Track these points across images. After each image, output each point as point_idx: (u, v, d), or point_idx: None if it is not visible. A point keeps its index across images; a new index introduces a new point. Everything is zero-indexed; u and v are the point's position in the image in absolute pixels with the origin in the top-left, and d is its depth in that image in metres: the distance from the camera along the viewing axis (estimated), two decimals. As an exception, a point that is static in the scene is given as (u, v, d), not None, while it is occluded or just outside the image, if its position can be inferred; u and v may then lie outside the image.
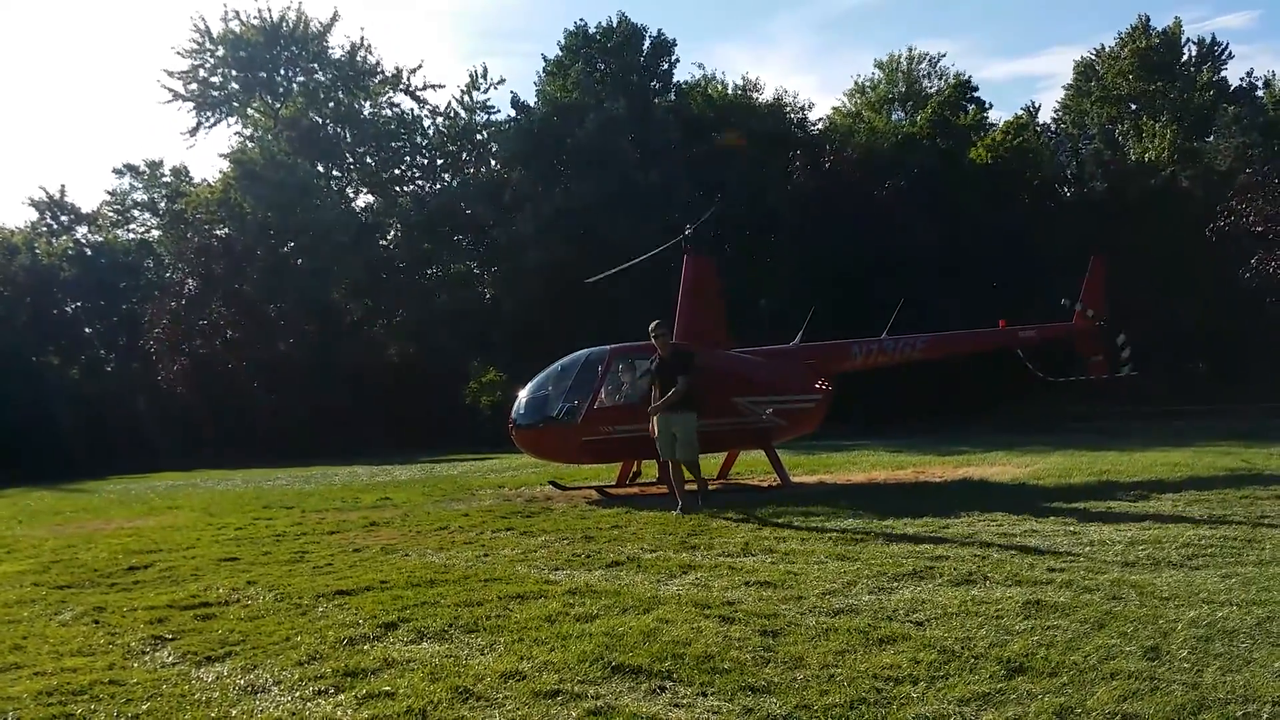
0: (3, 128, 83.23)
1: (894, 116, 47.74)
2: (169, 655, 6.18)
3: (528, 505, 13.00)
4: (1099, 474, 13.50)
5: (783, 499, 12.20)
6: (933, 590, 6.80)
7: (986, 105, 44.45)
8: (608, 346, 14.83)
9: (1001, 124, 43.34)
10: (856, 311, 31.80)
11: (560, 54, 42.56)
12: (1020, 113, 46.13)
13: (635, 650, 5.57)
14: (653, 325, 12.23)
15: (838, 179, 36.81)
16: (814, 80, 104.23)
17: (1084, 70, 47.64)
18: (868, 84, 50.38)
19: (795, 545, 8.87)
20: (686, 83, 43.61)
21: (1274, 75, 42.20)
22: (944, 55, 68.41)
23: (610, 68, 41.81)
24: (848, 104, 50.06)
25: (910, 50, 49.61)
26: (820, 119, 44.28)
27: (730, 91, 43.22)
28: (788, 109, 42.24)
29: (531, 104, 41.70)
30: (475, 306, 39.69)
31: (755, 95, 43.00)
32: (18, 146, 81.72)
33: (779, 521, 10.35)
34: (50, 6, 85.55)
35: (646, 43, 42.56)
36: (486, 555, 9.16)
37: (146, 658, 6.18)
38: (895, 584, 7.05)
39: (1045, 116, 49.32)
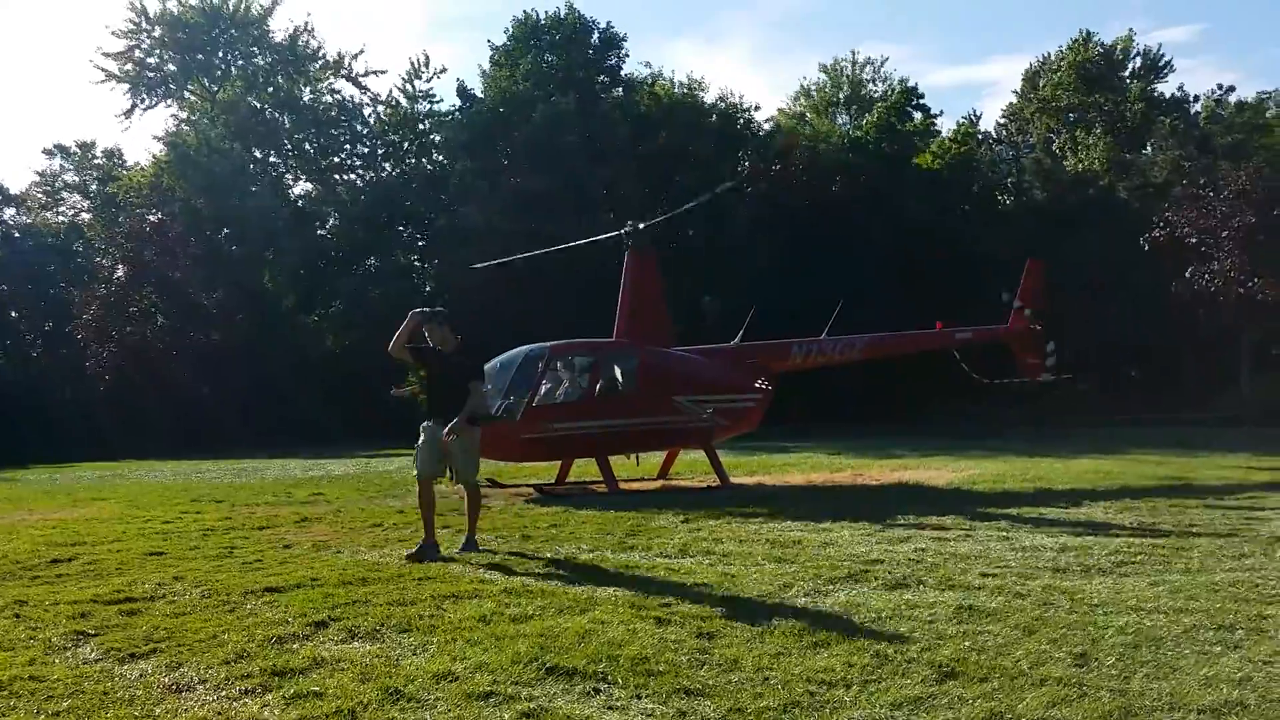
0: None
1: (838, 120, 48.21)
2: (92, 651, 5.99)
3: (460, 503, 12.86)
4: (1033, 481, 13.75)
5: (722, 500, 12.23)
6: (867, 594, 6.85)
7: (935, 113, 45.16)
8: (548, 344, 14.81)
9: (947, 132, 44.05)
10: (802, 312, 32.18)
11: (508, 43, 42.28)
12: (963, 120, 46.94)
13: (570, 652, 5.51)
14: (426, 311, 9.49)
15: (786, 180, 37.13)
16: (761, 81, 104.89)
17: (1030, 79, 48.53)
18: (813, 87, 50.82)
19: (733, 547, 8.89)
20: (633, 77, 43.63)
21: (1216, 90, 43.20)
22: (887, 59, 69.05)
23: (558, 60, 41.61)
24: (792, 106, 50.47)
25: (855, 54, 50.16)
26: (768, 119, 44.62)
27: (676, 90, 43.31)
28: (734, 110, 42.45)
29: (478, 94, 41.38)
30: (414, 299, 39.20)
31: (700, 95, 43.17)
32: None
33: (717, 523, 10.37)
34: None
35: (595, 36, 42.45)
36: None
37: (68, 654, 5.98)
38: (831, 587, 7.09)
39: (989, 124, 50.18)
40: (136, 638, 6.22)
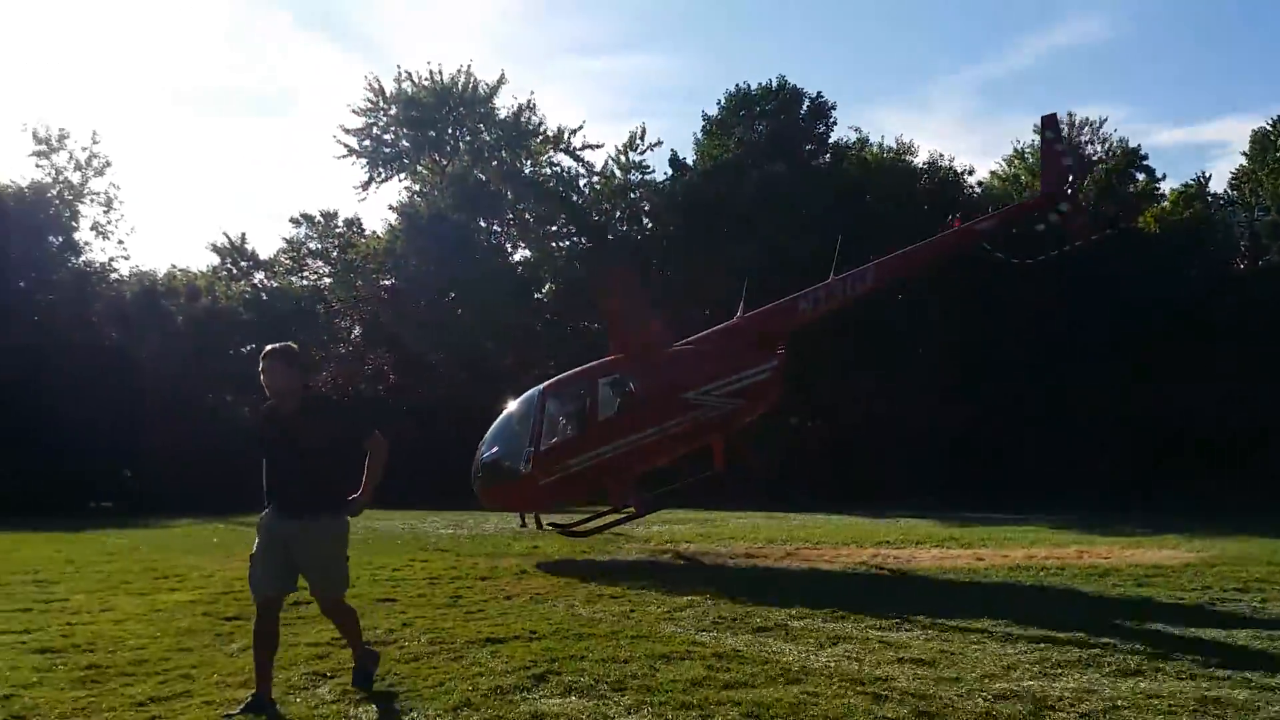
0: (193, 180, 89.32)
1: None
2: (329, 692, 6.41)
3: (673, 561, 13.00)
4: (1280, 564, 12.63)
5: (940, 574, 11.83)
6: (1098, 679, 6.48)
7: (1159, 175, 42.83)
8: (539, 386, 14.72)
9: (1170, 194, 41.69)
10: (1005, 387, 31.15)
11: (719, 114, 43.19)
12: (1190, 183, 44.27)
13: (782, 723, 5.48)
14: (268, 351, 6.57)
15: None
16: (973, 144, 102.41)
17: (1259, 140, 45.37)
18: (1027, 149, 49.17)
19: (953, 622, 8.59)
20: (841, 143, 43.57)
21: None
22: (1105, 120, 65.89)
23: (769, 128, 42.15)
24: (1006, 169, 48.97)
25: (1071, 116, 48.17)
26: (979, 183, 43.50)
27: (884, 154, 42.92)
28: (945, 173, 41.64)
29: (689, 162, 42.36)
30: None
31: (909, 158, 42.61)
32: (205, 196, 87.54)
33: (929, 596, 10.05)
34: (234, 73, 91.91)
35: (805, 105, 42.79)
36: (633, 611, 9.19)
37: (307, 693, 6.42)
38: (1059, 670, 6.75)
39: (1217, 186, 47.08)
40: (373, 680, 6.60)
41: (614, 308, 15.01)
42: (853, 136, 44.31)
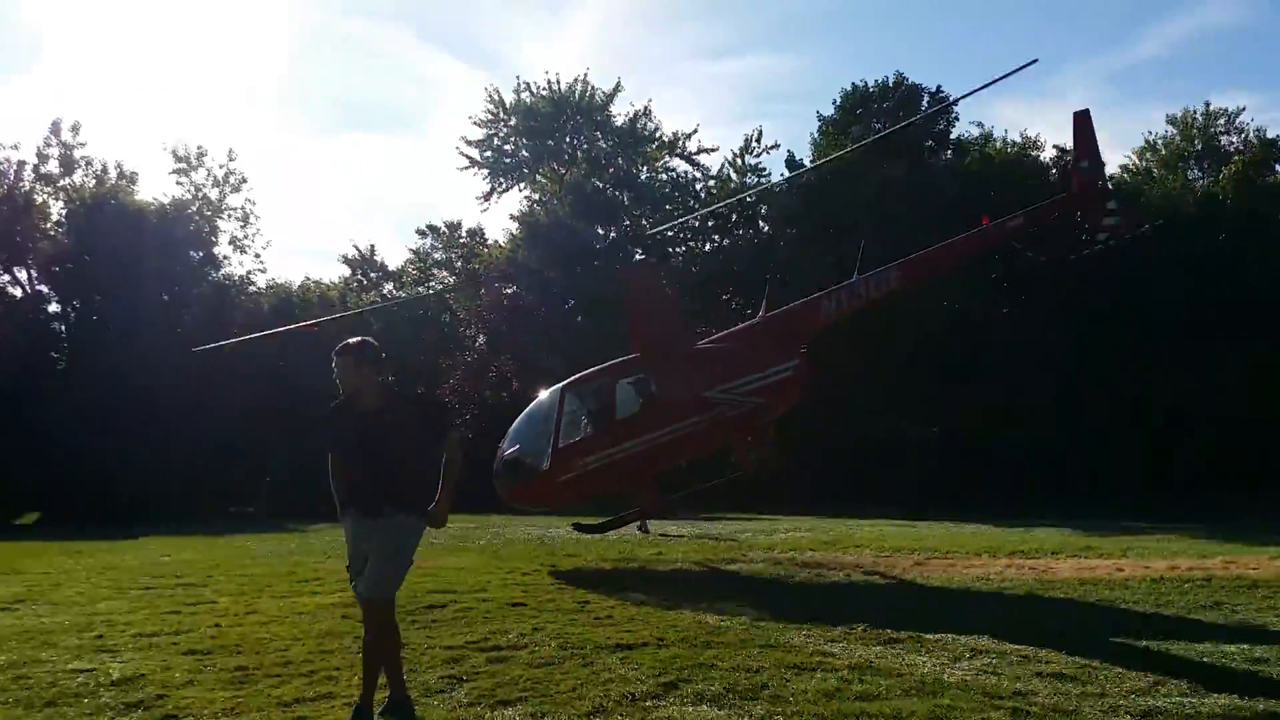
0: (324, 194, 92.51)
1: (1190, 175, 44.43)
2: (465, 696, 6.54)
3: (800, 570, 12.88)
4: None
5: (1079, 585, 11.42)
6: (1252, 698, 6.16)
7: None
8: (561, 383, 14.73)
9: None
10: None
11: (836, 114, 42.69)
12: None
13: (920, 737, 5.38)
14: (338, 348, 6.29)
15: (1127, 239, 34.68)
16: (1100, 137, 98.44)
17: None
18: (1159, 140, 47.18)
19: (1095, 634, 8.29)
20: (963, 139, 42.56)
21: None
22: (1243, 109, 62.51)
23: (886, 127, 41.47)
24: (1136, 162, 47.06)
25: (1207, 106, 46.01)
26: (1109, 176, 41.84)
27: (1009, 149, 41.76)
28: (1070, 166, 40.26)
29: (806, 164, 42.00)
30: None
31: (1035, 152, 41.35)
32: (336, 210, 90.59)
33: (1072, 606, 9.71)
34: (361, 89, 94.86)
35: (924, 102, 41.95)
36: (760, 620, 9.14)
37: (445, 696, 6.57)
38: (1209, 687, 6.44)
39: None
40: (505, 685, 6.73)
41: (637, 305, 14.97)
42: (975, 132, 43.31)
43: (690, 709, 6.05)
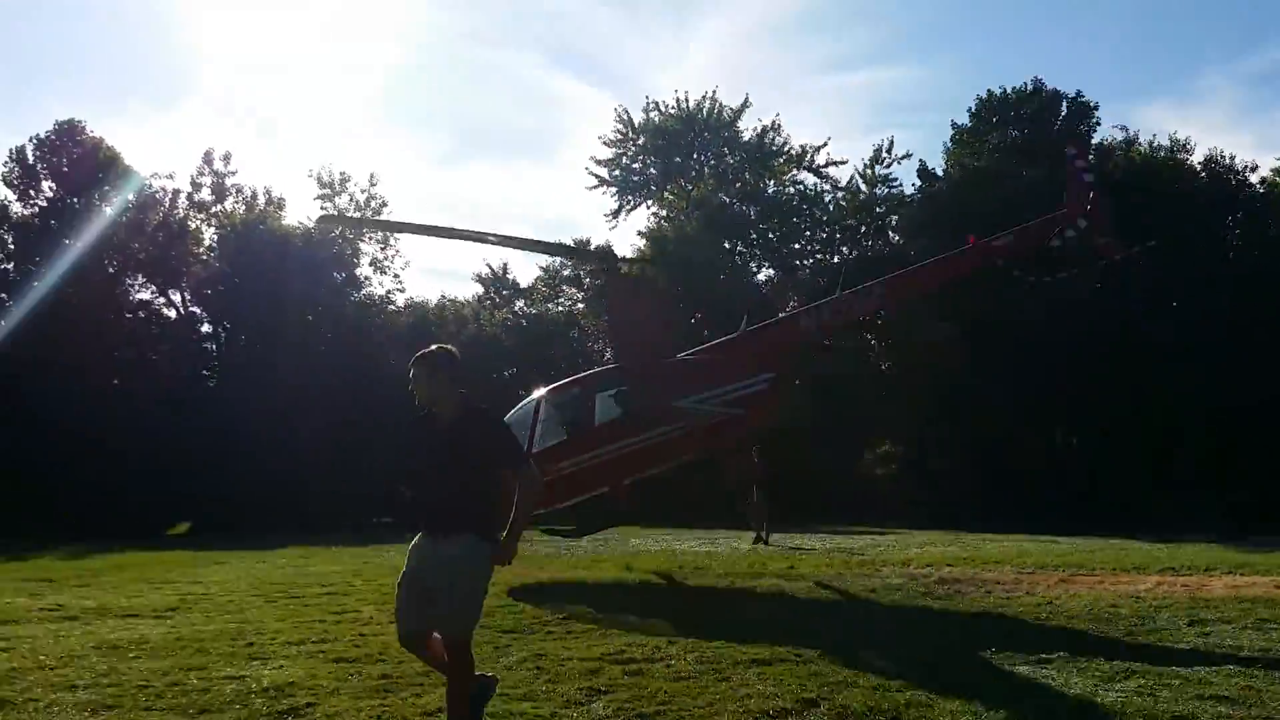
0: (457, 214, 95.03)
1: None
2: (603, 708, 6.53)
3: (937, 586, 12.52)
4: None
5: (1236, 602, 10.78)
6: None
7: None
8: (541, 390, 15.15)
9: None
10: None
11: (971, 121, 41.72)
12: None
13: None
14: (414, 358, 5.88)
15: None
16: (1242, 140, 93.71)
17: None
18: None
19: (1258, 655, 7.79)
20: (1107, 143, 40.97)
21: None
22: None
23: (1024, 133, 40.32)
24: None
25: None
26: (1261, 180, 39.73)
27: (1155, 152, 39.97)
28: (1222, 170, 38.27)
29: (939, 173, 41.14)
30: (869, 377, 39.40)
31: (1183, 156, 39.47)
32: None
33: (1231, 626, 9.14)
34: (492, 112, 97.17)
35: (1064, 106, 40.63)
36: (898, 636, 8.91)
37: (584, 709, 6.58)
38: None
39: None
40: (642, 699, 6.70)
41: (618, 316, 15.38)
42: (1118, 135, 41.67)
43: (831, 728, 5.92)
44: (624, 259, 15.79)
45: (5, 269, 39.30)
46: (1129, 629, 9.19)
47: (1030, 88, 40.89)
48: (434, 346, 5.88)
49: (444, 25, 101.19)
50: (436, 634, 5.67)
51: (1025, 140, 39.79)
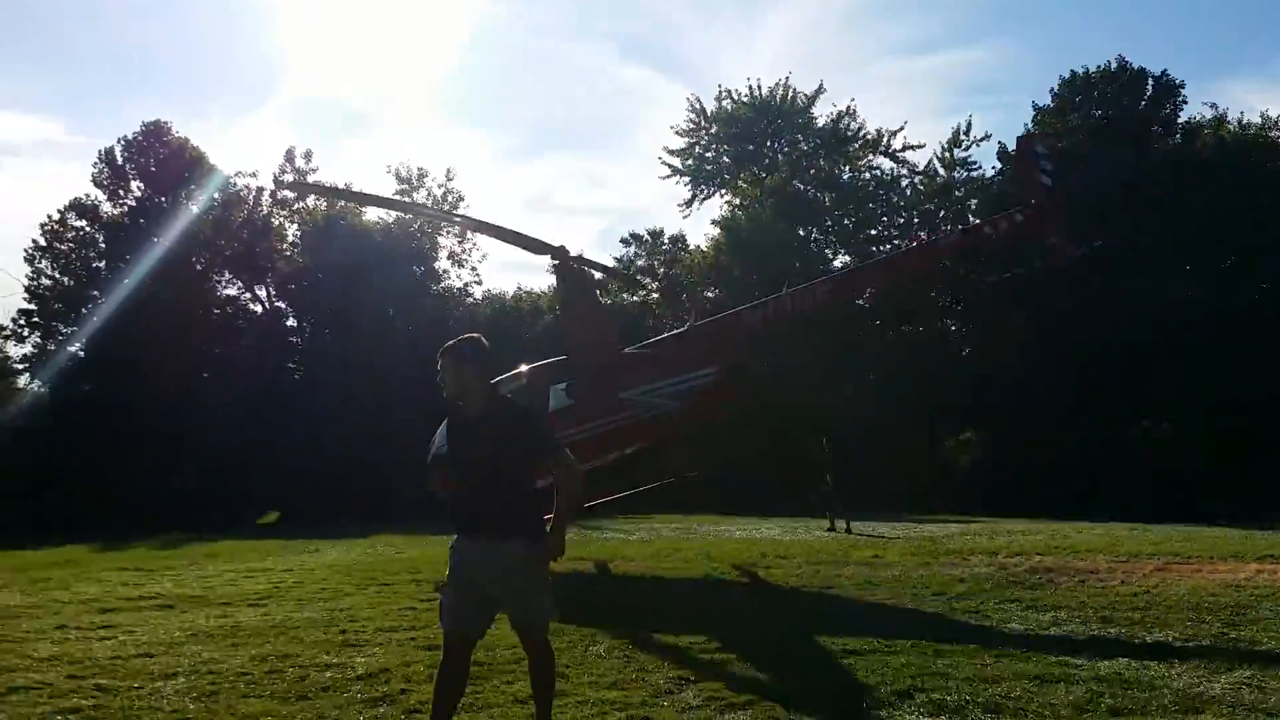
0: (532, 205, 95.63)
1: None
2: (694, 697, 6.52)
3: (1028, 576, 12.24)
4: None
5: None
6: None
7: None
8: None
9: None
10: None
11: (1053, 102, 40.79)
12: None
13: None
14: (441, 349, 5.63)
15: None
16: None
17: None
18: None
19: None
20: (1193, 122, 39.75)
21: None
22: None
23: (1108, 114, 39.28)
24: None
25: None
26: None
27: (1246, 130, 38.64)
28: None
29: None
30: (950, 364, 38.78)
31: (1278, 134, 38.09)
32: (544, 221, 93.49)
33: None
34: (566, 104, 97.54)
35: (1149, 85, 39.49)
36: (994, 626, 8.74)
37: (673, 697, 6.57)
38: None
39: None
40: (732, 688, 6.67)
41: (567, 309, 15.66)
42: (1207, 114, 40.40)
43: None
44: (578, 258, 16.02)
45: (97, 268, 40.68)
46: (1230, 619, 8.90)
47: (1114, 66, 39.82)
48: (460, 338, 5.60)
49: (514, 19, 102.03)
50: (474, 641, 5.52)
51: (1109, 120, 38.80)
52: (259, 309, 42.73)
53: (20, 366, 41.45)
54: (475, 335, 5.60)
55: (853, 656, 7.50)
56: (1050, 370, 33.64)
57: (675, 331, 16.09)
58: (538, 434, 5.52)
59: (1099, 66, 40.28)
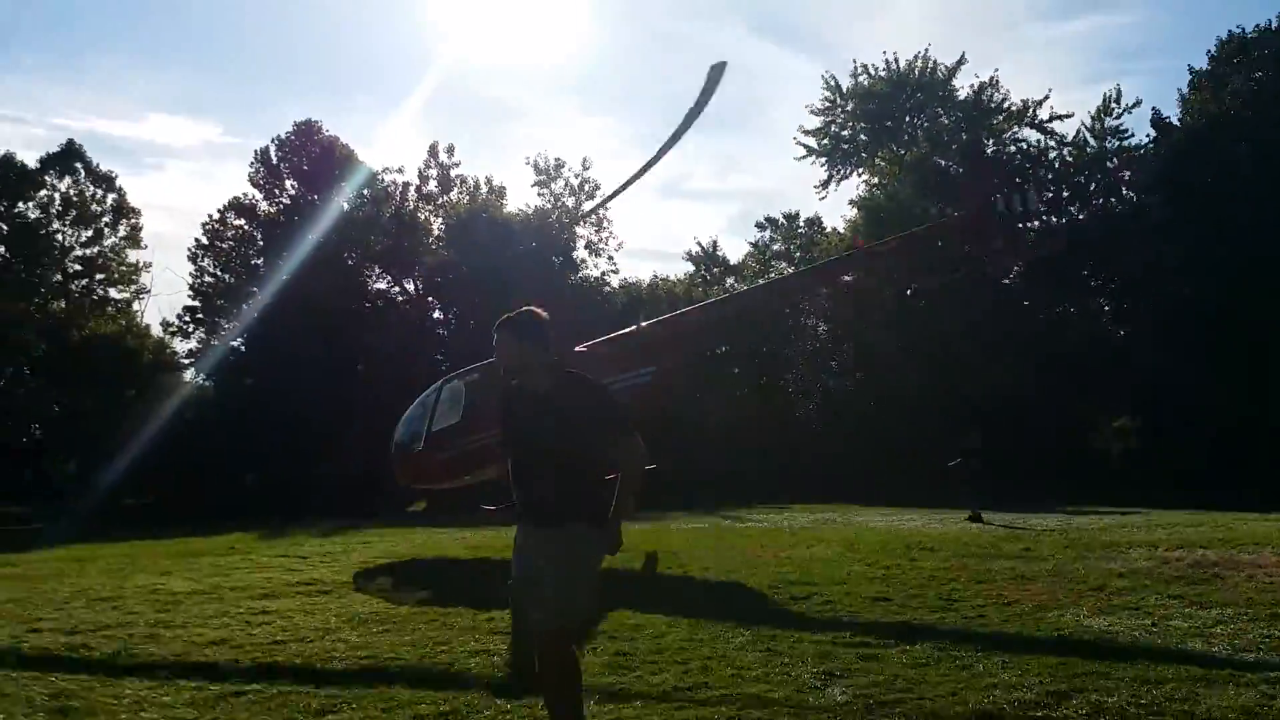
0: (668, 194, 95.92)
1: None
2: (840, 694, 6.47)
3: (1192, 570, 11.68)
4: None
5: None
6: None
7: None
8: (446, 376, 16.50)
9: None
10: None
11: (1210, 65, 38.57)
12: None
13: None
14: (498, 323, 5.36)
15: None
16: None
17: None
18: None
19: None
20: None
21: None
22: None
23: (1269, 76, 36.93)
24: None
25: None
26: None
27: None
28: None
29: (1176, 123, 38.28)
30: (1102, 346, 37.20)
31: None
32: (679, 210, 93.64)
33: None
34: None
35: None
36: (1154, 625, 8.38)
37: (818, 692, 6.54)
38: None
39: None
40: (880, 684, 6.60)
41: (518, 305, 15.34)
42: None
43: (1088, 722, 5.65)
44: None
45: (256, 264, 42.79)
46: None
47: (1276, 24, 37.44)
48: (518, 310, 5.29)
49: (641, 3, 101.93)
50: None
51: (1271, 83, 36.48)
52: (406, 302, 44.18)
53: (186, 361, 44.04)
54: (533, 308, 5.31)
55: (1004, 654, 7.30)
56: (1201, 355, 31.91)
57: (623, 331, 16.51)
58: (609, 409, 5.20)
59: (1259, 25, 37.95)
